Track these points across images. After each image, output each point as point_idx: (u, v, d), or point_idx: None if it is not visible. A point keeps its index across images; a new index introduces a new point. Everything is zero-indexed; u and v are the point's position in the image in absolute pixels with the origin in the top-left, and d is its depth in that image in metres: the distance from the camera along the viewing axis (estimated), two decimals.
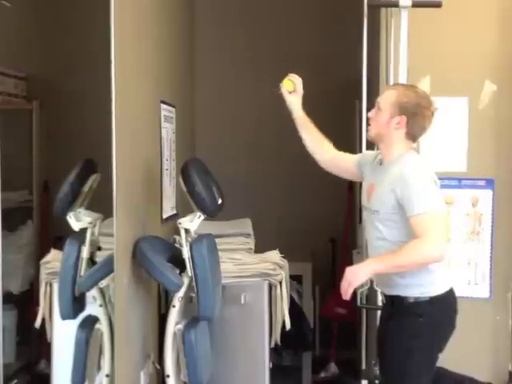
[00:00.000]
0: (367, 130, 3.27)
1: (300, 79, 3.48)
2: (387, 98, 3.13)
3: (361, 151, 3.99)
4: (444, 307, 3.12)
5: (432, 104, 3.14)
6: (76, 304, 2.99)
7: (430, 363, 3.14)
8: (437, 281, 3.10)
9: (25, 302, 3.35)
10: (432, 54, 4.08)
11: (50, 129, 3.40)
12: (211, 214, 3.33)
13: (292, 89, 3.46)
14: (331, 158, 3.46)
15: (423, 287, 3.06)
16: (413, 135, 3.13)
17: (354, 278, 2.93)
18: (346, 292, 2.94)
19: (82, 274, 2.97)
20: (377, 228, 3.11)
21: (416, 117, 3.08)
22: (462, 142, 4.12)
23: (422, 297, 3.06)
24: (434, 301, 3.07)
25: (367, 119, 3.25)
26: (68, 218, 2.97)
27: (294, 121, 3.49)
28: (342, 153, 3.47)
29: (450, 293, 3.15)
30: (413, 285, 3.06)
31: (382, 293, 3.30)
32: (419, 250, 2.94)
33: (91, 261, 3.03)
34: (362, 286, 3.81)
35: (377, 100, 3.22)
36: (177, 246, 3.58)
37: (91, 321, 3.02)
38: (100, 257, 3.06)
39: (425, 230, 2.91)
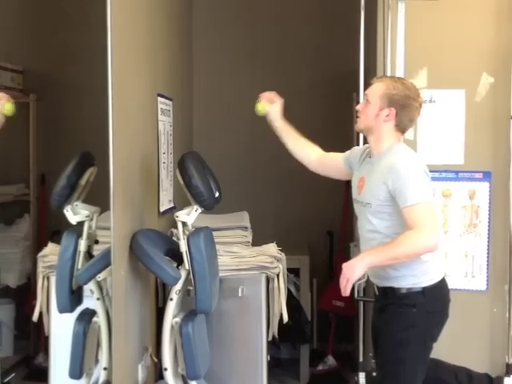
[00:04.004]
0: (355, 123, 3.27)
1: (273, 93, 3.55)
2: (375, 91, 3.15)
3: (357, 142, 4.00)
4: (437, 297, 3.14)
5: (420, 95, 3.16)
6: (73, 297, 2.99)
7: (424, 353, 3.16)
8: (430, 271, 3.12)
9: (22, 296, 3.36)
10: (429, 46, 4.08)
11: (46, 122, 3.40)
12: (208, 207, 3.32)
13: (267, 110, 3.53)
14: (318, 159, 3.48)
15: (416, 277, 3.08)
16: (402, 127, 3.15)
17: (351, 273, 2.94)
18: (345, 288, 2.95)
19: (79, 267, 2.97)
20: (369, 221, 3.12)
21: (405, 109, 3.10)
22: (459, 135, 4.12)
23: (415, 287, 3.08)
24: (427, 291, 3.09)
25: (356, 112, 3.26)
26: (65, 211, 2.96)
27: (276, 131, 3.53)
28: (329, 153, 3.48)
29: (443, 282, 3.17)
30: (406, 275, 3.08)
31: (374, 285, 3.31)
32: (413, 241, 2.96)
33: (88, 254, 3.03)
34: (359, 278, 3.82)
35: (365, 92, 3.23)
36: (174, 239, 3.58)
37: (89, 314, 3.02)
38: (97, 250, 3.06)
39: (418, 220, 2.93)
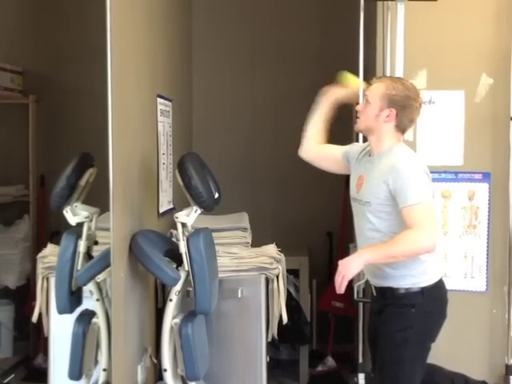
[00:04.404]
0: (355, 123, 3.27)
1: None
2: (375, 91, 3.14)
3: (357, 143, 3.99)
4: (435, 297, 3.15)
5: (419, 95, 3.15)
6: (73, 298, 2.99)
7: (423, 353, 3.16)
8: (428, 271, 3.12)
9: (22, 297, 3.36)
10: (428, 47, 4.09)
11: (46, 123, 3.40)
12: (208, 207, 3.33)
13: (357, 86, 3.46)
14: (316, 147, 3.46)
15: (415, 277, 3.08)
16: (402, 127, 3.15)
17: (347, 270, 2.93)
18: (340, 285, 2.94)
19: (78, 268, 2.97)
20: (368, 219, 3.12)
21: (405, 109, 3.10)
22: (458, 136, 4.12)
23: (414, 287, 3.08)
24: (426, 291, 3.09)
25: (356, 112, 3.26)
26: (65, 212, 2.96)
27: (318, 105, 3.46)
28: (328, 145, 3.47)
29: (441, 283, 3.17)
30: (405, 275, 3.08)
31: (372, 286, 3.30)
32: (412, 241, 2.96)
33: (88, 255, 3.03)
34: (359, 279, 3.82)
35: (365, 93, 3.23)
36: (173, 240, 3.58)
37: (88, 315, 3.02)
38: (97, 251, 3.06)
39: (417, 220, 2.93)
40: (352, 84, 3.48)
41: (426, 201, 2.98)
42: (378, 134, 3.14)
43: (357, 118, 3.24)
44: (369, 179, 3.13)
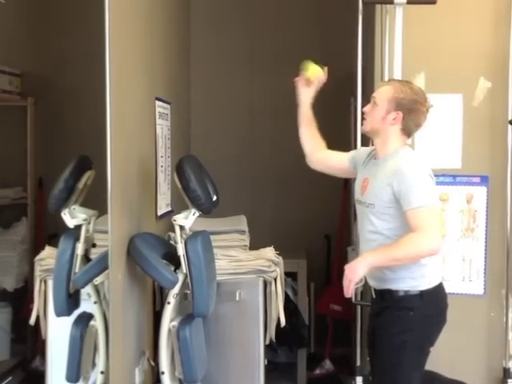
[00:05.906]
0: (362, 124, 3.28)
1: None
2: (383, 94, 3.15)
3: (355, 148, 4.00)
4: (434, 301, 3.15)
5: (427, 100, 3.17)
6: (71, 301, 2.98)
7: (421, 357, 3.16)
8: (427, 274, 3.12)
9: (19, 300, 3.35)
10: (427, 50, 4.09)
11: (44, 125, 3.40)
12: (206, 210, 3.32)
13: (319, 75, 3.42)
14: (321, 157, 3.49)
15: (414, 280, 3.09)
16: (408, 131, 3.16)
17: (353, 273, 2.95)
18: (348, 289, 2.95)
19: (76, 270, 2.97)
20: (371, 221, 3.13)
21: (412, 113, 3.11)
22: (456, 139, 4.12)
23: (412, 290, 3.09)
24: (425, 294, 3.09)
25: (362, 114, 3.27)
26: (63, 214, 2.96)
27: (299, 113, 3.48)
28: (332, 152, 3.49)
29: (440, 287, 3.18)
30: (404, 278, 3.08)
31: (371, 288, 3.30)
32: (417, 244, 2.97)
33: (86, 258, 3.03)
34: (357, 282, 3.82)
35: (372, 95, 3.23)
36: (172, 242, 3.58)
37: (86, 318, 3.02)
38: (94, 254, 3.05)
39: (421, 223, 2.94)
40: (314, 73, 3.43)
41: (430, 204, 2.99)
42: (384, 136, 3.15)
43: (363, 119, 3.25)
44: (373, 182, 3.14)
